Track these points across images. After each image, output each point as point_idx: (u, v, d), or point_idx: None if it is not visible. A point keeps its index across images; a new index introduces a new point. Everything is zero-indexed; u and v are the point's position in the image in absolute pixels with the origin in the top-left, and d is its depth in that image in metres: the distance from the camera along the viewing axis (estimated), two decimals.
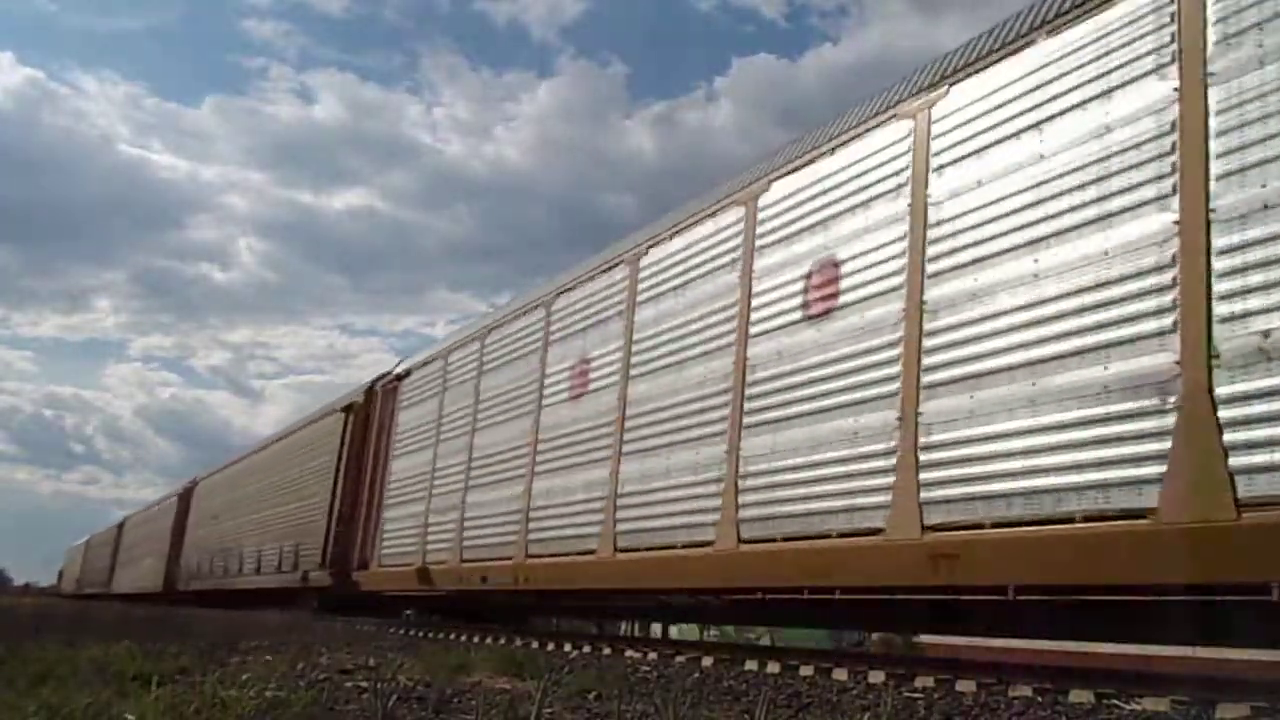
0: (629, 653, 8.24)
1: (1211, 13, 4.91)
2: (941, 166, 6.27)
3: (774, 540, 6.85)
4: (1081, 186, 5.37)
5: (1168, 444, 4.68)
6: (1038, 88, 5.76)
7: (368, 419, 16.02)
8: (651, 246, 9.16)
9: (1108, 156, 5.29)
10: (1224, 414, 4.48)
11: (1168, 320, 4.81)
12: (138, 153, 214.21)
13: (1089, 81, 5.49)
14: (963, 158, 6.16)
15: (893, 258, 6.44)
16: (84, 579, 50.47)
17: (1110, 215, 5.20)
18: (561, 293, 10.73)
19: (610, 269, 9.78)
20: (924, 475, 5.86)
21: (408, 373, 14.65)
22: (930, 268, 6.13)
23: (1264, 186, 4.54)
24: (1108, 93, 5.38)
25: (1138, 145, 5.15)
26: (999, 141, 5.92)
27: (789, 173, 7.63)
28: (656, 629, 15.90)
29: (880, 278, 6.50)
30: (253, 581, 20.72)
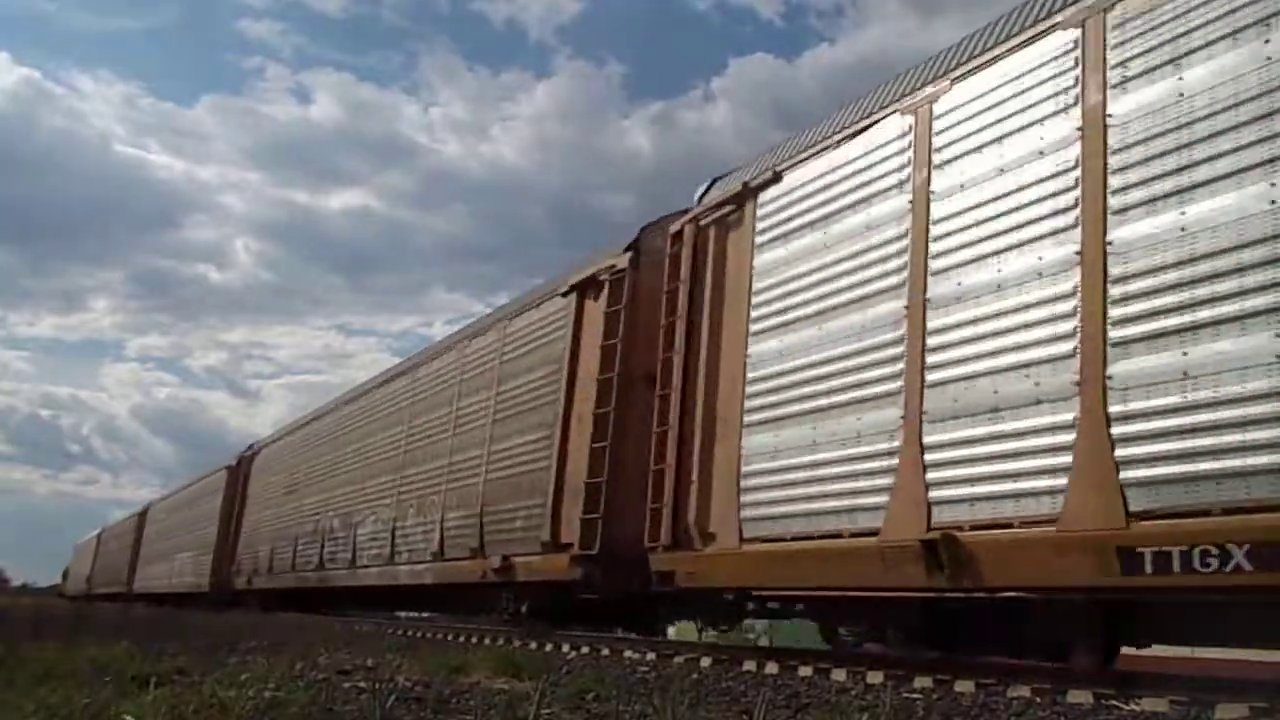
0: (627, 653, 8.24)
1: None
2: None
3: None
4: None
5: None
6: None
7: (634, 294, 9.47)
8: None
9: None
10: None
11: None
12: (134, 153, 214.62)
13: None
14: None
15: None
16: (96, 578, 43.79)
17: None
18: None
19: None
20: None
21: (775, 177, 7.87)
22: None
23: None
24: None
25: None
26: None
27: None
28: None
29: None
30: (385, 576, 13.98)
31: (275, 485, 20.75)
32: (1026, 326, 5.58)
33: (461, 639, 10.43)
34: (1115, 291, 5.15)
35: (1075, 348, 5.29)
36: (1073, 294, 5.37)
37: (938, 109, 6.54)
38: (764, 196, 8.03)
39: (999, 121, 6.06)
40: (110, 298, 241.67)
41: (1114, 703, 4.65)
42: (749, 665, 6.88)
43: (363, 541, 14.96)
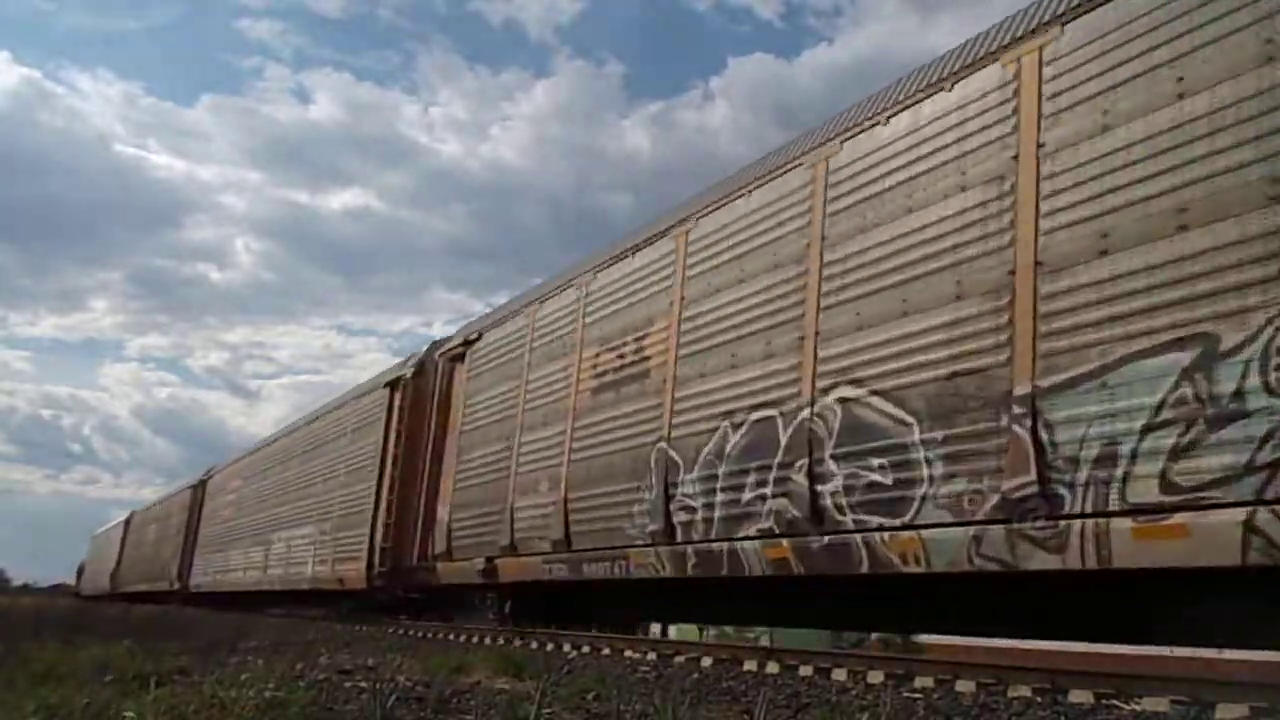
0: (628, 653, 8.24)
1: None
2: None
3: None
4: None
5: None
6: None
7: None
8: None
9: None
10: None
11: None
12: (134, 152, 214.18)
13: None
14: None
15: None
16: (125, 574, 35.51)
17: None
18: None
19: None
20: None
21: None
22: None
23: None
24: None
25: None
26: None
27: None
28: (656, 629, 15.17)
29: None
30: None
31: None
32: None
33: (462, 639, 10.43)
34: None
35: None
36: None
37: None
38: None
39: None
40: (110, 298, 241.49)
41: (1114, 703, 4.65)
42: (750, 665, 6.88)
43: None
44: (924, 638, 13.01)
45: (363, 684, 4.77)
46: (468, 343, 12.72)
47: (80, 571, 51.39)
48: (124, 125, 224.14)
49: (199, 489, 27.03)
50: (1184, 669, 6.31)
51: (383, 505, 13.84)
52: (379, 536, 13.72)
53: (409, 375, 14.21)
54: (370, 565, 13.73)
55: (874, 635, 14.25)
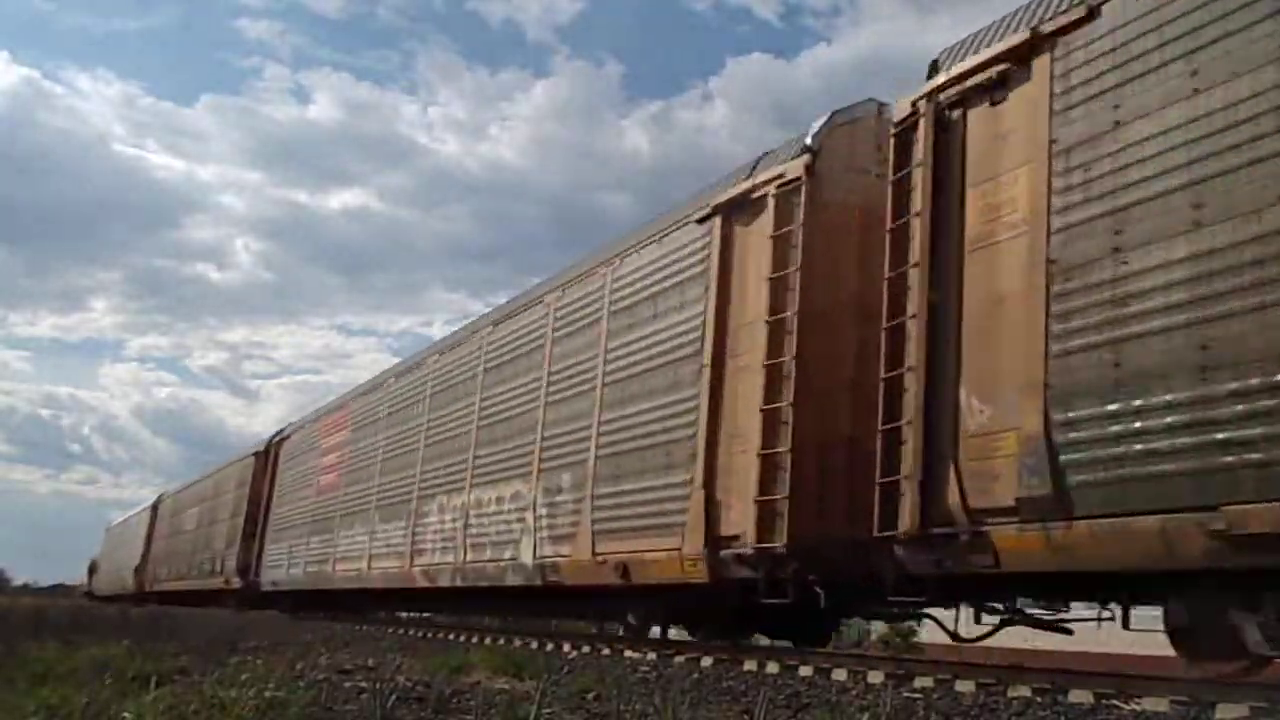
0: (628, 653, 8.24)
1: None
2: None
3: None
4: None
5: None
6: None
7: None
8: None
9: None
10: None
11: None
12: (133, 152, 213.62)
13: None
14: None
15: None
16: (154, 570, 29.95)
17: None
18: None
19: None
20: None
21: None
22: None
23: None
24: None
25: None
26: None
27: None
28: (656, 630, 14.91)
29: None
30: None
31: None
32: None
33: (462, 639, 10.42)
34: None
35: None
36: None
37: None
38: None
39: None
40: (110, 298, 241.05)
41: (1114, 703, 4.65)
42: (750, 665, 6.87)
43: None
44: (924, 638, 13.00)
45: (363, 684, 4.77)
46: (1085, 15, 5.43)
47: (92, 569, 45.06)
48: (123, 125, 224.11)
49: (266, 454, 20.82)
50: (1184, 669, 6.30)
51: (746, 424, 7.35)
52: (742, 482, 7.21)
53: (793, 176, 7.42)
54: (712, 540, 7.41)
55: (874, 635, 14.22)
